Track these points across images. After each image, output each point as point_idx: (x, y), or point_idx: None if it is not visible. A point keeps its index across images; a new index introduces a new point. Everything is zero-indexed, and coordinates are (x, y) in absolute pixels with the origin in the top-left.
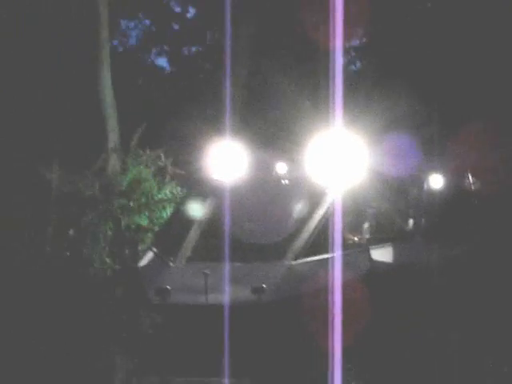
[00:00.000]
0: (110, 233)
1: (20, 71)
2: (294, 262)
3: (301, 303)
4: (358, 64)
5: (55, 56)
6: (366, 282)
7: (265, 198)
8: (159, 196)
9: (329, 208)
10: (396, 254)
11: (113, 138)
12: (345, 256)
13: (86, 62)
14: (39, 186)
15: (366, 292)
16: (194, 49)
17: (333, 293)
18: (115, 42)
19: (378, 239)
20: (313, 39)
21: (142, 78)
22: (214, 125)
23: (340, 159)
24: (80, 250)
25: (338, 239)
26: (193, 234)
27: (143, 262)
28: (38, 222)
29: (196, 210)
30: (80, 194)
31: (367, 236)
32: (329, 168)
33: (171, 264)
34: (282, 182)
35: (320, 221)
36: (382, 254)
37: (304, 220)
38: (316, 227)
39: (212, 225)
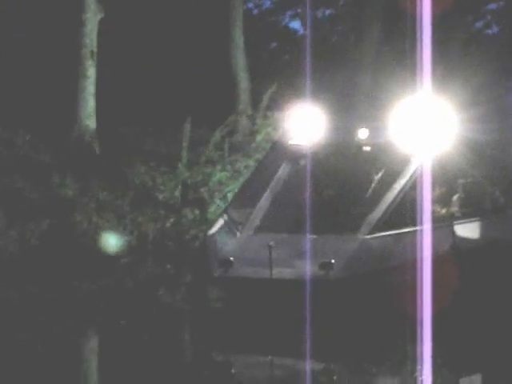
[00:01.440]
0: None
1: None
2: (368, 236)
3: (374, 282)
4: (495, 28)
5: (190, 17)
6: (448, 261)
7: (344, 165)
8: None
9: (411, 178)
10: (484, 231)
11: (244, 100)
12: (426, 231)
13: (220, 23)
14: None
15: (446, 273)
16: (327, 12)
17: (414, 271)
18: (250, 5)
19: (466, 213)
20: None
21: (276, 41)
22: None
23: (427, 125)
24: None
25: (423, 212)
26: (264, 202)
27: (213, 229)
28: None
29: (270, 175)
30: (208, 153)
31: (454, 209)
32: (414, 134)
33: (238, 233)
34: (364, 148)
35: (401, 191)
36: (469, 230)
37: (384, 190)
38: (396, 198)
39: (284, 193)
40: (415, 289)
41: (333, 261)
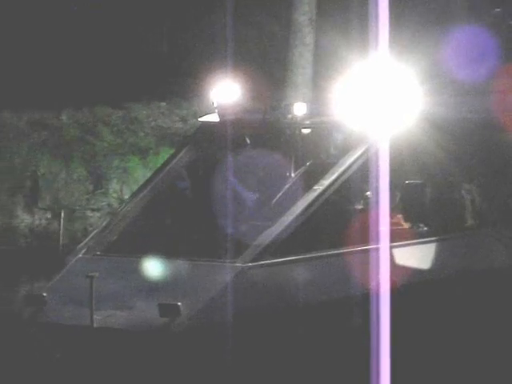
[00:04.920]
0: None
1: None
2: (251, 264)
3: (249, 335)
4: None
5: None
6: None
7: (266, 153)
8: None
9: (345, 173)
10: (443, 257)
11: None
12: (344, 256)
13: None
14: None
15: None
16: None
17: (323, 320)
18: None
19: (419, 229)
20: None
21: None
22: None
23: (383, 97)
24: None
25: (363, 225)
26: (133, 206)
27: (83, 242)
28: None
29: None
30: None
31: (398, 222)
32: (367, 110)
33: (81, 253)
34: (298, 129)
35: (323, 194)
36: (419, 256)
37: (302, 192)
38: (312, 205)
39: (170, 192)
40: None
41: (179, 303)
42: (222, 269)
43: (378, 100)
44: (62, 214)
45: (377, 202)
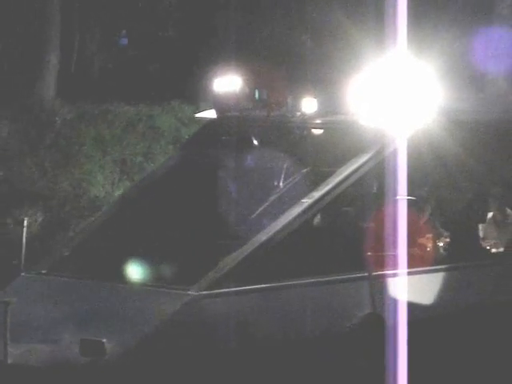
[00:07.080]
0: None
1: None
2: (206, 292)
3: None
4: None
5: None
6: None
7: (263, 156)
8: None
9: (345, 181)
10: (450, 287)
11: None
12: (327, 286)
13: None
14: None
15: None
16: None
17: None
18: None
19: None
20: None
21: None
22: None
23: (401, 94)
24: None
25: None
26: (101, 217)
27: None
28: None
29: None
30: None
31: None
32: (384, 107)
33: (24, 272)
34: (307, 128)
35: (313, 206)
36: (426, 286)
37: (289, 204)
38: (296, 221)
39: (145, 200)
40: None
41: (104, 339)
42: (170, 297)
43: (395, 97)
44: (25, 223)
45: (391, 216)
